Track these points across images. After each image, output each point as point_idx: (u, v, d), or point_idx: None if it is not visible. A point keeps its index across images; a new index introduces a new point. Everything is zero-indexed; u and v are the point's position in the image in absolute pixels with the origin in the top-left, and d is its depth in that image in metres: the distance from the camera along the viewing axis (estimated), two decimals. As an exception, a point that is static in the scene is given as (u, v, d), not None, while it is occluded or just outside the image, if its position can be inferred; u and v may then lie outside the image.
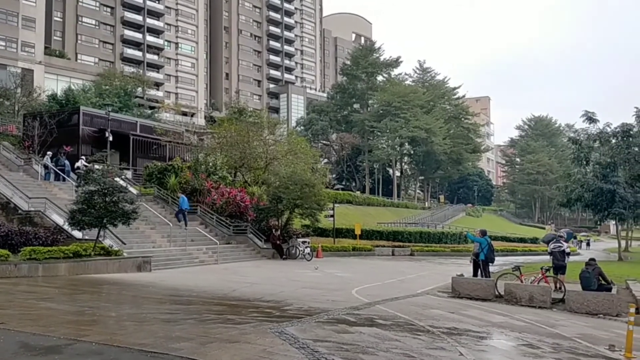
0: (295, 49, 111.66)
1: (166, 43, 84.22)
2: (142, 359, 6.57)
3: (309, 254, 28.07)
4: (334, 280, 19.10)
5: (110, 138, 32.12)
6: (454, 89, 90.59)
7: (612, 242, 66.75)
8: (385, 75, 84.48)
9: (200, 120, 70.62)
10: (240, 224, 28.38)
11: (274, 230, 28.88)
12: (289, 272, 21.48)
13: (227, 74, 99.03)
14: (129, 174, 31.39)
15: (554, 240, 16.08)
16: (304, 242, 28.96)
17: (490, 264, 16.90)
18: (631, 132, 32.89)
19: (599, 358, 8.28)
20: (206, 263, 23.27)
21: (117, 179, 21.46)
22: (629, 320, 8.63)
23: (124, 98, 50.62)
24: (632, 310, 8.92)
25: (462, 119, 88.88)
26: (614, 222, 55.15)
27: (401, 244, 38.28)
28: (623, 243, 37.46)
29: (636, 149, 32.76)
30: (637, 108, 33.89)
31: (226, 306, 12.10)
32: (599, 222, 48.62)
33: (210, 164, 32.61)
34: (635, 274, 21.54)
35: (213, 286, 15.72)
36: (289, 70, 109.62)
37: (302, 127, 79.21)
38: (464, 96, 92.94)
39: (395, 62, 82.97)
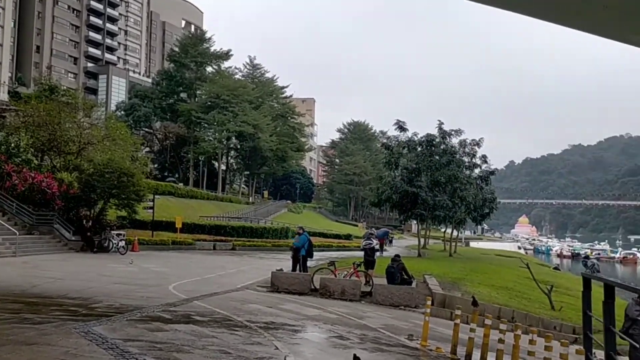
0: (119, 28, 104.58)
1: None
2: None
3: (123, 247, 26.49)
4: (150, 276, 18.27)
5: None
6: (282, 88, 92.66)
7: (413, 239, 74.06)
8: (215, 66, 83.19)
9: (2, 95, 62.43)
10: (46, 213, 25.74)
11: (84, 221, 26.70)
12: (100, 266, 20.04)
13: (38, 47, 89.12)
14: None
15: (366, 237, 17.29)
16: (118, 235, 27.26)
17: (309, 259, 17.62)
18: (434, 142, 36.73)
19: (399, 347, 9.06)
20: (2, 255, 20.66)
21: None
22: (425, 312, 9.59)
23: None
24: (429, 302, 9.93)
25: (289, 118, 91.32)
26: (415, 222, 61.23)
27: (223, 238, 38.05)
28: (422, 241, 41.57)
29: (437, 157, 36.63)
30: (439, 121, 37.98)
31: (24, 304, 10.84)
32: (403, 222, 53.50)
33: (12, 144, 29.02)
34: (431, 269, 24.07)
35: (9, 281, 14.01)
36: (110, 50, 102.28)
37: (122, 112, 74.43)
38: (291, 96, 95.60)
39: (226, 55, 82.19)
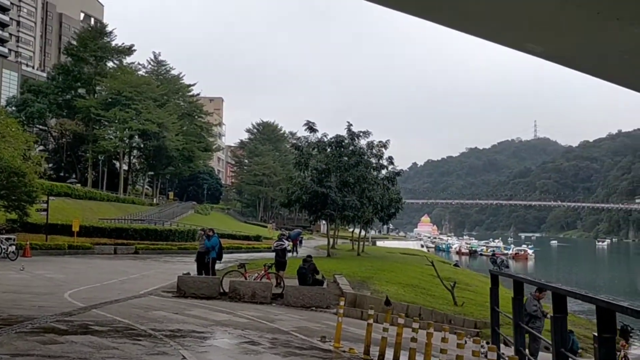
0: (11, 18, 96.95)
1: None
2: None
3: (13, 252, 24.38)
4: (43, 283, 16.87)
5: None
6: (189, 86, 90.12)
7: (322, 240, 74.86)
8: (116, 62, 79.14)
9: None
10: None
11: (-34, 225, 24.28)
12: (-15, 274, 18.22)
13: None
14: None
15: (278, 238, 17.04)
16: (8, 239, 25.08)
17: (218, 261, 17.07)
18: (343, 144, 37.24)
19: (313, 350, 8.88)
20: None
21: None
22: (338, 313, 9.49)
23: None
24: (342, 303, 9.83)
25: (196, 117, 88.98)
26: (324, 222, 61.78)
27: (125, 241, 36.18)
28: (331, 241, 42.00)
29: (346, 158, 37.13)
30: (348, 122, 38.56)
31: None
32: (313, 222, 53.84)
33: None
34: (340, 269, 24.25)
35: None
36: (1, 41, 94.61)
37: (13, 108, 68.79)
38: (198, 94, 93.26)
39: (128, 50, 78.44)
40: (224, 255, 21.20)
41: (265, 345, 8.88)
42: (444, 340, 6.62)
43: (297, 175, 39.10)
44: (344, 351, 8.84)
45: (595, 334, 3.18)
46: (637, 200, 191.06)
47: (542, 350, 11.37)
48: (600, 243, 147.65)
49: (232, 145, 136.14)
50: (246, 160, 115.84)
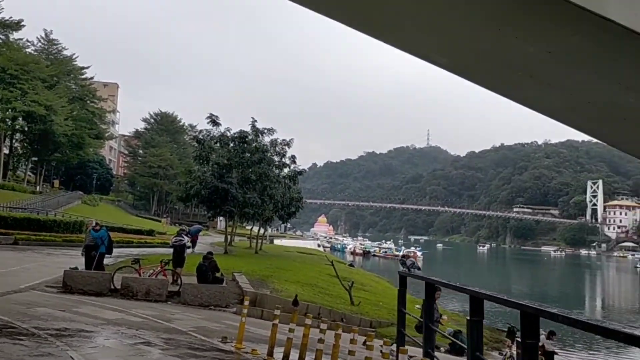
0: None
1: None
2: None
3: None
4: None
5: None
6: (82, 68, 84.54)
7: (218, 236, 73.47)
8: (1, 36, 72.55)
9: None
10: None
11: None
12: None
13: None
14: None
15: (177, 234, 16.33)
16: None
17: (107, 256, 16.02)
18: (247, 139, 36.67)
19: (213, 351, 8.51)
20: None
21: None
22: (242, 313, 9.18)
23: None
24: (246, 302, 9.54)
25: (88, 102, 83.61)
26: (221, 218, 60.59)
27: (3, 231, 33.10)
28: (229, 238, 41.21)
29: (248, 154, 36.57)
30: (253, 118, 38.06)
31: None
32: (212, 218, 52.60)
33: None
34: (239, 267, 23.82)
35: None
36: None
37: None
38: (92, 78, 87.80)
39: (17, 25, 71.95)
40: (115, 250, 20.01)
41: (162, 346, 8.38)
42: (352, 341, 6.57)
43: (197, 169, 37.96)
44: (247, 352, 8.56)
45: (519, 339, 3.19)
46: (515, 209, 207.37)
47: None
48: (481, 247, 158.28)
49: (127, 134, 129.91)
50: (141, 151, 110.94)
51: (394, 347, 7.20)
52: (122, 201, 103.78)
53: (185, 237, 16.39)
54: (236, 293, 15.49)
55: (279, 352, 8.24)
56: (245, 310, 9.14)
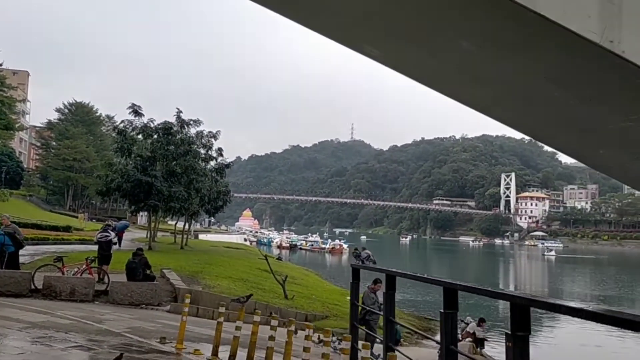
0: None
1: None
2: None
3: None
4: None
5: None
6: (-11, 54, 78.70)
7: (139, 232, 70.78)
8: None
9: None
10: None
11: None
12: None
13: None
14: None
15: (102, 230, 15.34)
16: None
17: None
18: (171, 131, 35.34)
19: (154, 353, 7.95)
20: None
21: None
22: (182, 311, 8.66)
23: None
24: (187, 300, 9.00)
25: (-5, 90, 77.90)
26: (142, 213, 58.38)
27: None
28: (152, 233, 39.69)
29: (173, 147, 35.26)
30: (178, 109, 36.77)
31: None
32: (134, 213, 50.50)
33: None
34: (166, 263, 22.89)
35: None
36: None
37: None
38: (0, 64, 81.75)
39: None
40: (29, 247, 18.61)
41: (96, 349, 7.71)
42: (307, 337, 6.29)
43: (118, 161, 36.20)
44: (189, 353, 8.07)
45: (509, 331, 3.04)
46: (434, 201, 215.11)
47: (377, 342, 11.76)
48: (403, 239, 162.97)
49: (39, 125, 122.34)
50: (54, 143, 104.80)
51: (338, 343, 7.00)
52: (34, 196, 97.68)
53: (111, 232, 15.42)
54: (168, 290, 14.79)
55: (224, 352, 7.82)
56: (186, 309, 8.63)
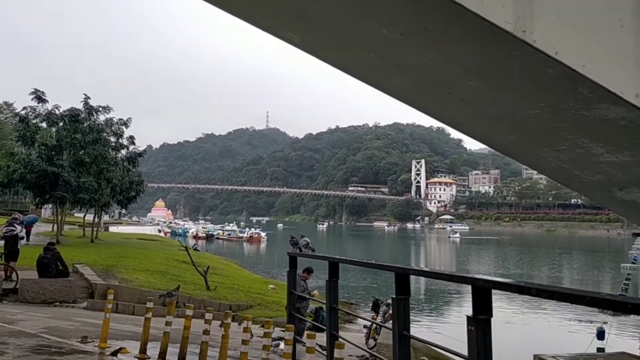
0: None
1: None
2: None
3: None
4: None
5: None
6: None
7: (44, 225, 66.64)
8: None
9: None
10: None
11: None
12: None
13: None
14: None
15: (8, 223, 14.24)
16: None
17: None
18: (79, 118, 33.44)
19: (76, 354, 7.48)
20: None
21: None
22: (106, 308, 8.24)
23: None
24: (111, 297, 8.57)
25: None
26: (47, 206, 54.93)
27: None
28: (59, 227, 37.48)
29: (81, 135, 33.37)
30: (85, 95, 34.84)
31: None
32: (39, 205, 47.44)
33: None
34: (78, 257, 21.75)
35: None
36: None
37: None
38: None
39: None
40: None
41: (13, 353, 7.15)
42: (246, 330, 6.16)
43: (20, 151, 33.80)
44: (116, 352, 7.68)
45: (470, 314, 3.10)
46: (349, 188, 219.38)
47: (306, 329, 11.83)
48: (320, 225, 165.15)
49: None
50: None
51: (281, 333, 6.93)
52: None
53: (17, 226, 14.33)
54: (84, 287, 14.03)
55: (152, 349, 7.52)
56: (109, 305, 8.20)
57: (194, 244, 67.36)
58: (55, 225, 37.07)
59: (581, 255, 71.21)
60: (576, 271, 49.64)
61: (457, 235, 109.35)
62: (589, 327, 20.80)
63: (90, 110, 34.41)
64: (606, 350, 13.71)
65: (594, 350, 13.89)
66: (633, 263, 46.39)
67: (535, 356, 4.84)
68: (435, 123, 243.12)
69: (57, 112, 33.27)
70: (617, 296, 2.38)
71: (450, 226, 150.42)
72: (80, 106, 34.03)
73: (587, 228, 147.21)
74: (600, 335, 16.72)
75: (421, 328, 20.92)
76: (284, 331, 6.14)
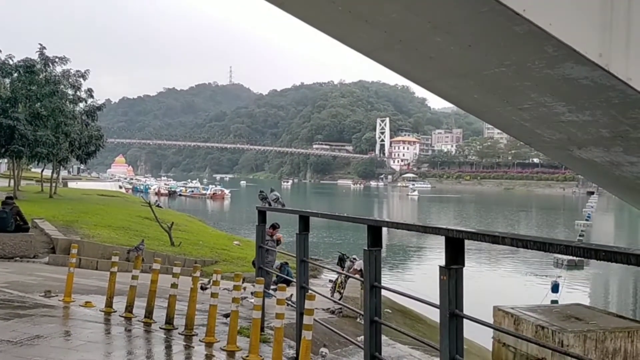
0: None
1: None
2: None
3: None
4: None
5: None
6: None
7: (-1, 181, 64.71)
8: None
9: None
10: None
11: None
12: None
13: None
14: None
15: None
16: None
17: None
18: (34, 69, 32.11)
19: (40, 307, 7.43)
20: None
21: None
22: (70, 263, 8.16)
23: None
24: (74, 251, 8.48)
25: None
26: (1, 160, 53.23)
27: None
28: (16, 182, 36.48)
29: (36, 87, 32.14)
30: (41, 45, 33.37)
31: None
32: None
33: None
34: (37, 212, 21.34)
35: None
36: None
37: None
38: None
39: None
40: None
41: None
42: (215, 283, 6.22)
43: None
44: (80, 305, 7.66)
45: (442, 264, 3.18)
46: (314, 146, 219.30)
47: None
48: (285, 183, 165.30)
49: None
50: None
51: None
52: None
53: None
54: (44, 242, 13.81)
55: (118, 302, 7.53)
56: (73, 260, 8.12)
57: (156, 201, 66.59)
58: (12, 180, 36.01)
59: (538, 212, 73.88)
60: (533, 228, 51.55)
61: (416, 193, 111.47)
62: (545, 281, 21.78)
63: (46, 61, 33.02)
64: (560, 302, 14.40)
65: (549, 302, 14.58)
66: (587, 220, 48.44)
67: (494, 307, 5.06)
68: (400, 81, 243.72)
69: (11, 62, 31.85)
70: (591, 244, 2.48)
71: (413, 184, 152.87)
72: (35, 57, 32.59)
73: (544, 187, 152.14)
74: (555, 288, 17.55)
75: (391, 280, 21.57)
76: (253, 285, 6.21)
